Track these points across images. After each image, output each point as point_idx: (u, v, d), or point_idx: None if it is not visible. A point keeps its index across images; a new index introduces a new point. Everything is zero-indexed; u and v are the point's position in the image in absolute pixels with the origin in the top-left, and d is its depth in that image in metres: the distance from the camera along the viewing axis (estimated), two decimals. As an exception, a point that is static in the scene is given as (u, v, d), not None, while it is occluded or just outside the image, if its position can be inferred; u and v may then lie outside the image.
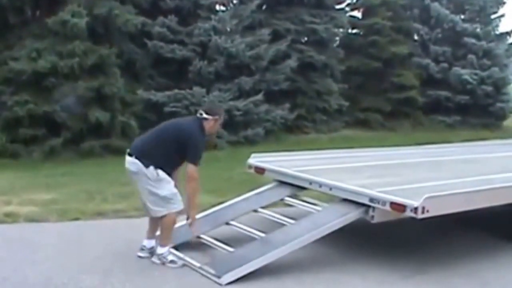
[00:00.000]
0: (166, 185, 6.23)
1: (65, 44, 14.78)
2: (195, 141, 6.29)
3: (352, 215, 6.50)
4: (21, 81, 14.53)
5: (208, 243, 6.81)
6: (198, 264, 6.19)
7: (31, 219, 8.17)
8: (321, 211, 7.03)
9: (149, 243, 6.59)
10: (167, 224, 6.36)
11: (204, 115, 6.41)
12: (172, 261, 6.28)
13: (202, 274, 5.99)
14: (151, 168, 6.15)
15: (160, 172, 6.18)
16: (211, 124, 6.46)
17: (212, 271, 5.95)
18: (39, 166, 13.37)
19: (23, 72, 14.41)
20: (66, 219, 8.29)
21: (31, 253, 6.61)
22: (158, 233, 6.57)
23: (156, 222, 6.53)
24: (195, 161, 6.21)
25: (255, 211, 7.03)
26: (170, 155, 6.27)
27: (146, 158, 6.18)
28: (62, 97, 14.73)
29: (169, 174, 6.28)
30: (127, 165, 6.35)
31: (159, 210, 6.28)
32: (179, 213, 6.40)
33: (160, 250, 6.38)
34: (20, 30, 15.56)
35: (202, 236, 6.95)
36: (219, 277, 5.82)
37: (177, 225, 7.15)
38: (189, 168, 6.22)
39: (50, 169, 12.98)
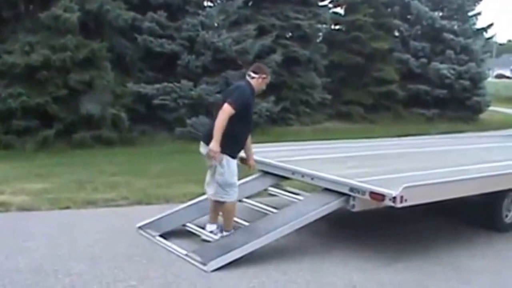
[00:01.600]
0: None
1: (58, 38, 14.66)
2: (241, 89, 6.46)
3: (333, 204, 6.51)
4: (15, 74, 14.39)
5: (195, 231, 6.80)
6: (184, 252, 6.18)
7: (23, 208, 8.12)
8: (303, 200, 7.04)
9: (210, 226, 6.77)
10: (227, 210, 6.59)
11: (252, 74, 6.55)
12: None
13: (189, 262, 5.97)
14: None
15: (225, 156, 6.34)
16: (259, 81, 6.59)
17: (198, 259, 5.94)
18: (32, 157, 13.27)
19: (16, 65, 14.27)
20: (57, 208, 8.24)
21: (22, 241, 6.57)
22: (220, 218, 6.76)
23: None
24: (232, 102, 6.22)
25: (240, 200, 7.01)
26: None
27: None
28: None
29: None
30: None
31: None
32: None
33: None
34: (13, 24, 15.40)
35: (188, 224, 6.96)
36: (204, 264, 5.82)
37: (163, 213, 7.18)
38: (224, 105, 6.23)
39: (42, 159, 12.89)
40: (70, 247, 6.41)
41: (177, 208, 7.37)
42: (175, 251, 6.28)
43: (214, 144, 6.16)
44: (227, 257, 5.87)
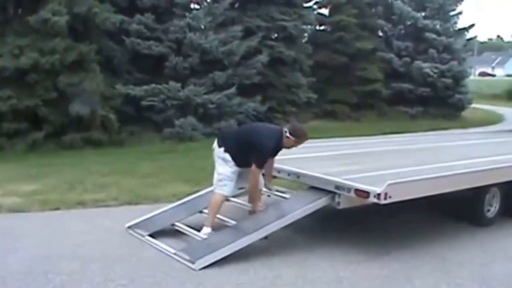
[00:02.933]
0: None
1: (46, 41, 14.59)
2: (266, 147, 6.51)
3: (319, 202, 6.52)
4: (4, 78, 14.30)
5: (183, 230, 6.79)
6: (173, 251, 6.16)
7: (13, 209, 8.08)
8: (289, 198, 7.04)
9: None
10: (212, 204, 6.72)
11: (288, 134, 6.53)
12: None
13: (177, 260, 5.96)
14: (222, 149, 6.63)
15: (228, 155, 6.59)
16: (291, 143, 6.60)
17: (186, 257, 5.92)
18: (22, 159, 13.21)
19: (5, 68, 14.18)
20: (47, 209, 8.21)
21: (13, 242, 6.54)
22: None
23: None
24: (258, 163, 6.47)
25: (227, 200, 7.00)
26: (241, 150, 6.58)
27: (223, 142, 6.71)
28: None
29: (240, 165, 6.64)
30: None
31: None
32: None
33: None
34: (2, 28, 15.31)
35: (177, 223, 6.94)
36: (193, 262, 5.80)
37: (152, 213, 7.16)
38: (252, 167, 6.47)
39: (32, 161, 12.83)
40: (60, 248, 6.38)
41: (165, 208, 7.36)
42: (164, 250, 6.26)
43: (255, 206, 6.75)
44: (215, 255, 5.86)
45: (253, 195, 6.70)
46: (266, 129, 6.83)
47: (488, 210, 7.94)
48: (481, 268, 6.26)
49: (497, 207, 7.99)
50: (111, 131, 15.88)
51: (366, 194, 6.03)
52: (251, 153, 6.43)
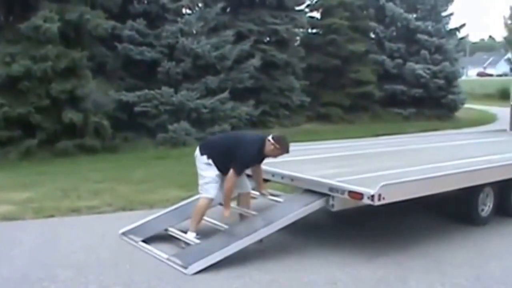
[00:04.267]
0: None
1: (38, 48, 14.56)
2: (247, 153, 6.55)
3: (312, 205, 6.51)
4: (-4, 85, 14.30)
5: (176, 235, 6.78)
6: (165, 256, 6.16)
7: (7, 217, 8.06)
8: (282, 202, 7.04)
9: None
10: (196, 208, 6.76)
11: (272, 141, 6.55)
12: None
13: (171, 266, 5.95)
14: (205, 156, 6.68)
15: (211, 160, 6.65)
16: (273, 151, 6.61)
17: (179, 262, 5.92)
18: (15, 166, 13.19)
19: (-3, 76, 14.18)
20: (41, 216, 8.19)
21: (7, 250, 6.52)
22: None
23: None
24: (236, 169, 6.49)
25: (221, 204, 6.99)
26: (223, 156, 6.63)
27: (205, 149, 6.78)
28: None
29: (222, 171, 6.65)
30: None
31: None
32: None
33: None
34: (-7, 35, 15.31)
35: (170, 229, 6.94)
36: (185, 267, 5.80)
37: (147, 218, 7.15)
38: (230, 172, 6.51)
39: (26, 169, 12.81)
40: (55, 255, 6.37)
41: (158, 214, 7.36)
42: (156, 256, 6.26)
43: (226, 212, 6.65)
44: (207, 260, 5.85)
45: (227, 200, 6.66)
46: (248, 137, 6.87)
47: (482, 210, 7.96)
48: (476, 268, 6.26)
49: (491, 206, 8.02)
50: (104, 137, 15.85)
51: (360, 195, 6.04)
52: (233, 160, 6.47)
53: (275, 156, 6.70)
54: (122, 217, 8.10)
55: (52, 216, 8.22)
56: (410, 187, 6.43)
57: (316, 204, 6.53)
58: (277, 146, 6.54)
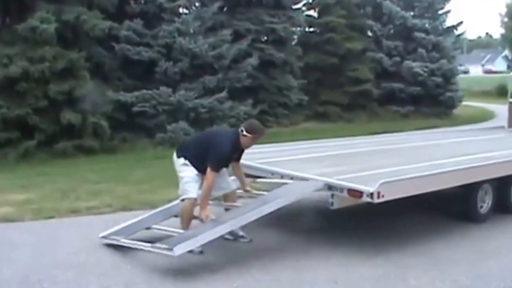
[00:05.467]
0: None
1: (35, 49, 14.55)
2: (221, 149, 6.47)
3: (300, 192, 6.56)
4: (-6, 87, 14.29)
5: (160, 230, 6.75)
6: (149, 244, 6.08)
7: (6, 219, 8.05)
8: (270, 192, 6.89)
9: None
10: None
11: (244, 132, 6.51)
12: None
13: (167, 262, 5.92)
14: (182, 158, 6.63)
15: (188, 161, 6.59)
16: (248, 140, 6.57)
17: (164, 246, 5.78)
18: (14, 168, 13.18)
19: (-5, 78, 14.17)
20: (41, 217, 8.19)
21: (7, 252, 6.52)
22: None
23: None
24: (213, 165, 6.38)
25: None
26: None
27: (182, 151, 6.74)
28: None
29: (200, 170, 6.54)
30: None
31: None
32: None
33: None
34: (-10, 37, 15.30)
35: (153, 226, 6.90)
36: (171, 249, 5.63)
37: (127, 222, 7.04)
38: (207, 170, 6.39)
39: (25, 170, 12.79)
40: (55, 256, 6.37)
41: (140, 217, 7.19)
42: (140, 246, 6.21)
43: (202, 213, 6.42)
44: (192, 241, 5.76)
45: (204, 199, 6.49)
46: (221, 133, 6.98)
47: (481, 207, 7.96)
48: (475, 265, 6.27)
49: (490, 203, 8.02)
50: (103, 138, 15.84)
51: (359, 193, 6.05)
52: (208, 157, 6.43)
53: (253, 144, 6.69)
54: (122, 217, 8.07)
55: (51, 217, 8.22)
56: (409, 185, 6.44)
57: (303, 193, 6.58)
58: (250, 135, 6.51)
